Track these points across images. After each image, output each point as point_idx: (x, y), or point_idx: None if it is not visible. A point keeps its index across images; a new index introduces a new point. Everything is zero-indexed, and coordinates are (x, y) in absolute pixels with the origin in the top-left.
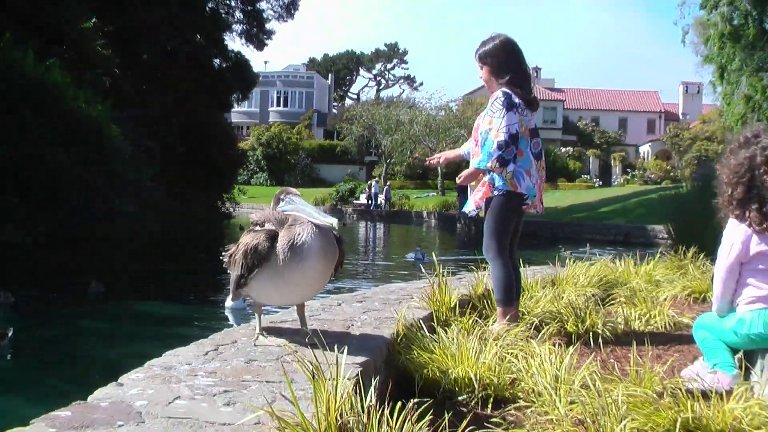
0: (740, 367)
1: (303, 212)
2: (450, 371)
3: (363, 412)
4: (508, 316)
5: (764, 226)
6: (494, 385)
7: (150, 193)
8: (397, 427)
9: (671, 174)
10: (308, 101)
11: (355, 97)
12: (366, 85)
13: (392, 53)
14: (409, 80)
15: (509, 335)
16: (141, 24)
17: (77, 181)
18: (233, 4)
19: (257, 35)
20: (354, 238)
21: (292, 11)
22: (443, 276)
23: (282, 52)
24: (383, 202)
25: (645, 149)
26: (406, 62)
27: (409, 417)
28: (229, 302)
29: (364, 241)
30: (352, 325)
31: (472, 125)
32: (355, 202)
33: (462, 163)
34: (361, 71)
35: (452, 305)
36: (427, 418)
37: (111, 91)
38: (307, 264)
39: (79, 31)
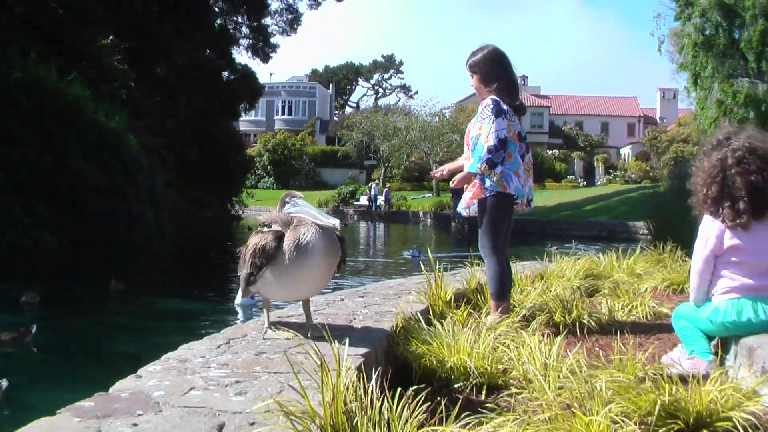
0: (716, 353)
1: (307, 214)
2: (446, 361)
3: (366, 399)
4: (500, 308)
5: (736, 222)
6: (488, 373)
7: (165, 198)
8: (397, 413)
9: (650, 174)
10: (311, 110)
11: (354, 105)
12: (365, 94)
13: (389, 64)
14: (405, 89)
15: (501, 326)
16: (155, 40)
17: (98, 187)
18: (240, 20)
19: (263, 49)
20: (355, 237)
21: (295, 26)
22: (439, 272)
23: (286, 64)
24: (383, 203)
25: (626, 151)
26: (401, 72)
27: (408, 404)
28: (238, 299)
29: (364, 240)
30: (355, 318)
31: (464, 130)
32: (355, 203)
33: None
34: (360, 81)
35: (448, 299)
36: (425, 405)
37: (128, 103)
38: (312, 262)
39: (98, 48)
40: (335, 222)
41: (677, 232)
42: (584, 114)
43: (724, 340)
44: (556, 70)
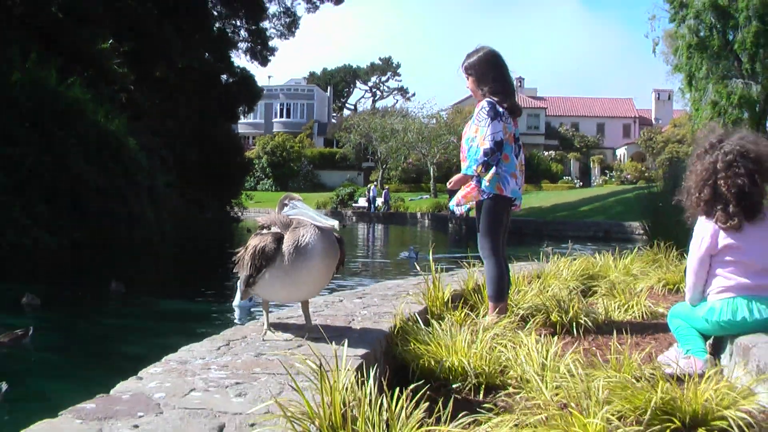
0: (711, 353)
1: (306, 215)
2: (444, 361)
3: (365, 400)
4: (498, 309)
5: (728, 224)
6: (485, 373)
7: (165, 198)
8: (396, 413)
9: (646, 174)
10: (309, 112)
11: (352, 107)
12: (362, 97)
13: (386, 66)
14: (403, 91)
15: (498, 327)
16: (155, 40)
17: (98, 188)
18: (239, 23)
19: (261, 52)
20: (353, 238)
21: (293, 29)
22: (437, 273)
23: (284, 67)
24: (382, 205)
25: (621, 152)
26: (399, 75)
27: (405, 405)
28: (236, 301)
29: (363, 241)
30: (353, 319)
31: (461, 132)
32: (354, 205)
33: (453, 168)
34: (358, 84)
35: (445, 300)
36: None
37: (128, 105)
38: (311, 263)
39: (97, 51)
40: (334, 223)
41: (673, 232)
42: (580, 115)
43: (719, 340)
44: (553, 71)
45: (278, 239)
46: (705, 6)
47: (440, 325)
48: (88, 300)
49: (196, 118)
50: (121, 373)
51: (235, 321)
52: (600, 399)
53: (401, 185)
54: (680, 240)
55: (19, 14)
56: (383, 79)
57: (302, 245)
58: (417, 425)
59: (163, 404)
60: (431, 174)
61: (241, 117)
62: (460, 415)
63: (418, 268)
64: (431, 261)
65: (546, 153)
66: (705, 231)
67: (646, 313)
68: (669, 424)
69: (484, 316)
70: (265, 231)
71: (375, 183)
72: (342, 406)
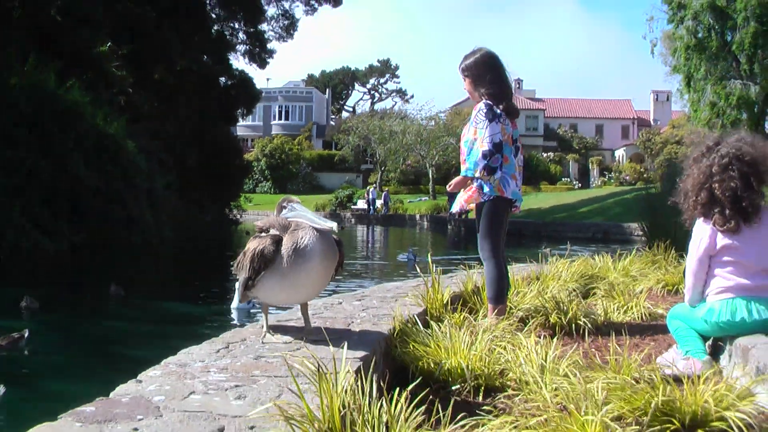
0: (711, 354)
1: (304, 218)
2: (443, 363)
3: (364, 402)
4: (497, 311)
5: (725, 227)
6: (485, 375)
7: (164, 202)
8: (395, 415)
9: (644, 175)
10: (308, 114)
11: (351, 109)
12: (361, 99)
13: (385, 68)
14: (401, 93)
15: (498, 328)
16: (154, 41)
17: (97, 190)
18: (237, 26)
19: (259, 55)
20: (352, 240)
21: (292, 32)
22: (436, 275)
23: (283, 69)
24: (381, 207)
25: (620, 153)
26: (397, 76)
27: (405, 407)
28: (235, 303)
29: (362, 243)
30: (353, 321)
31: (460, 134)
32: (353, 207)
33: (452, 170)
34: (356, 86)
35: (444, 302)
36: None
37: (126, 108)
38: (310, 265)
39: (96, 54)
40: (332, 225)
41: (671, 233)
42: (579, 117)
43: (718, 341)
44: (551, 73)
45: (277, 242)
46: (703, 7)
47: (439, 327)
48: (87, 302)
49: (195, 120)
50: (120, 376)
51: (235, 323)
52: (599, 400)
53: (400, 187)
54: (679, 241)
55: (17, 16)
56: (382, 81)
57: (301, 247)
58: (416, 427)
59: (162, 407)
60: (430, 176)
61: (240, 119)
62: (460, 417)
63: (417, 270)
64: (430, 263)
65: (545, 154)
66: (703, 232)
67: (645, 315)
68: (668, 425)
69: (483, 317)
70: (263, 233)
71: (374, 185)
72: (341, 409)
